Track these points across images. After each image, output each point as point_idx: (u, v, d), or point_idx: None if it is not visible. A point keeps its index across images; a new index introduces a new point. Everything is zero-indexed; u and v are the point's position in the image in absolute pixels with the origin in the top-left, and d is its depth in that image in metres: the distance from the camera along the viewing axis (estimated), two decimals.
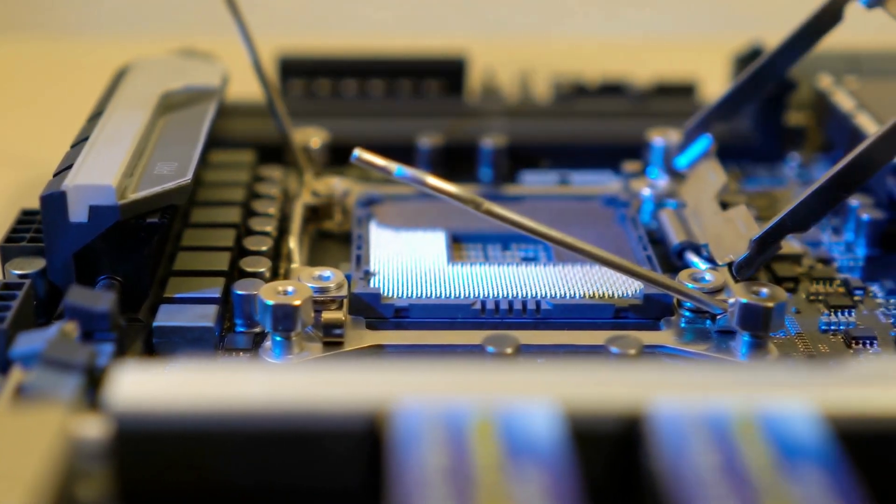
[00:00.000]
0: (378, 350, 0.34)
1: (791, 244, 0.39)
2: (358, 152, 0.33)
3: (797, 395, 0.23)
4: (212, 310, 0.33)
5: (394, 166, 0.33)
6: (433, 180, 0.33)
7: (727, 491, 0.21)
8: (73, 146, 0.36)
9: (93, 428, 0.23)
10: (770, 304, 0.32)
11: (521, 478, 0.21)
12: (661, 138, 0.43)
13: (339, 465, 0.23)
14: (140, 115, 0.37)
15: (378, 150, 0.46)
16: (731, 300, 0.33)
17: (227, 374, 0.24)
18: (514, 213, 0.34)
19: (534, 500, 0.20)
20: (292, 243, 0.38)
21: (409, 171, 0.33)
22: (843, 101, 0.46)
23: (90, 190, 0.32)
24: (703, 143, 0.42)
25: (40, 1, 0.73)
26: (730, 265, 0.36)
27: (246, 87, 0.50)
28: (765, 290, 0.33)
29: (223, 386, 0.23)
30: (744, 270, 0.35)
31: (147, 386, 0.23)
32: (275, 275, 0.37)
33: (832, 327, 0.36)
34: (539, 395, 0.23)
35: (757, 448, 0.22)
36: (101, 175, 0.33)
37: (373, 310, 0.35)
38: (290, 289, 0.33)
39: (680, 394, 0.23)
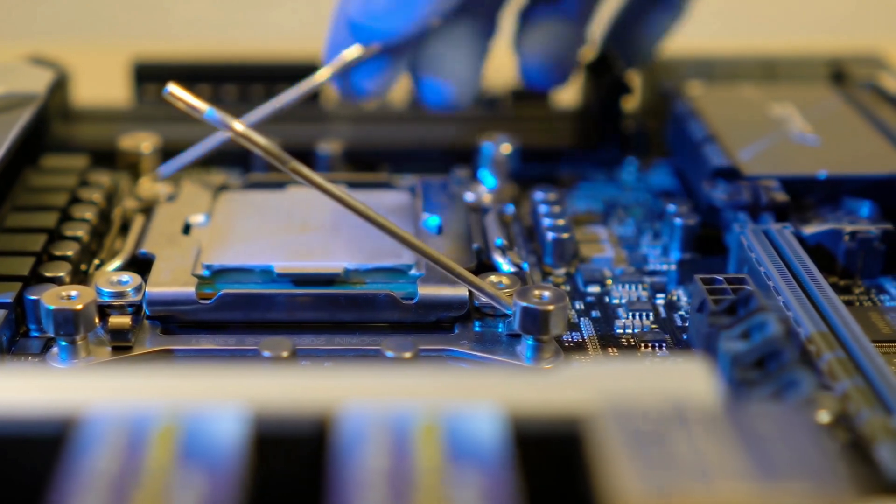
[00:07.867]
0: (167, 355, 0.34)
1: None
2: (170, 87, 0.31)
3: (484, 398, 0.23)
4: None
5: (205, 107, 0.31)
6: (240, 126, 0.31)
7: (385, 495, 0.21)
8: None
9: None
10: (549, 308, 0.33)
11: (188, 480, 0.21)
12: (490, 143, 0.44)
13: (35, 470, 0.23)
14: None
15: (214, 154, 0.47)
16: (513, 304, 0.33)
17: None
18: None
19: (194, 502, 0.21)
20: None
21: (219, 114, 0.31)
22: (681, 105, 0.46)
23: None
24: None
25: None
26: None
27: (98, 93, 0.50)
28: (546, 294, 0.33)
29: None
30: None
31: None
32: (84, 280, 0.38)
33: (626, 331, 0.36)
34: (228, 398, 0.23)
35: (430, 452, 0.22)
36: None
37: (171, 315, 0.35)
38: (73, 293, 0.33)
39: (370, 398, 0.23)
